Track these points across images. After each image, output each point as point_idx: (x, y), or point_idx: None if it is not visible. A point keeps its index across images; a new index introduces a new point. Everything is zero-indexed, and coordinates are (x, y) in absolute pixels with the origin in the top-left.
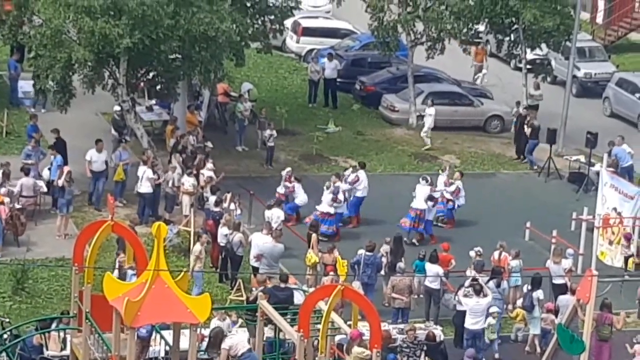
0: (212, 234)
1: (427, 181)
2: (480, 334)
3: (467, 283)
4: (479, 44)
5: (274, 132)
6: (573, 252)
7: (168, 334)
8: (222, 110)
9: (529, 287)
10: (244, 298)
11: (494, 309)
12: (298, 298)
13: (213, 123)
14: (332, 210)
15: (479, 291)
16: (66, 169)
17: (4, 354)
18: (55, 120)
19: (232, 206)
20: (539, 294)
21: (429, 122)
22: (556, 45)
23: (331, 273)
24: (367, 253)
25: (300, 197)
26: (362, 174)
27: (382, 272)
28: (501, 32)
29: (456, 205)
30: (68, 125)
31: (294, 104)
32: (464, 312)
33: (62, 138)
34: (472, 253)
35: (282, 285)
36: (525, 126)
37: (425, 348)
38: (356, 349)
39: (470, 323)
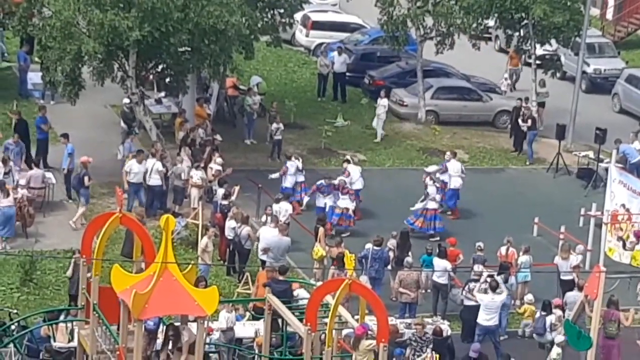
0: (220, 227)
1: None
2: (493, 330)
3: (482, 279)
4: (517, 49)
5: (281, 126)
6: (582, 248)
7: None
8: (231, 104)
9: (542, 312)
10: (252, 291)
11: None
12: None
13: (222, 116)
14: (351, 206)
15: (495, 287)
16: (84, 158)
17: (11, 344)
18: (64, 112)
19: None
20: (552, 318)
21: (381, 113)
22: (566, 40)
23: (332, 267)
24: (375, 247)
25: (289, 180)
26: (351, 167)
27: (389, 267)
28: (511, 28)
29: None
30: (77, 117)
31: (303, 98)
32: (471, 307)
33: (23, 119)
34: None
35: (280, 277)
36: (521, 119)
37: (431, 345)
38: (364, 342)
39: (483, 319)
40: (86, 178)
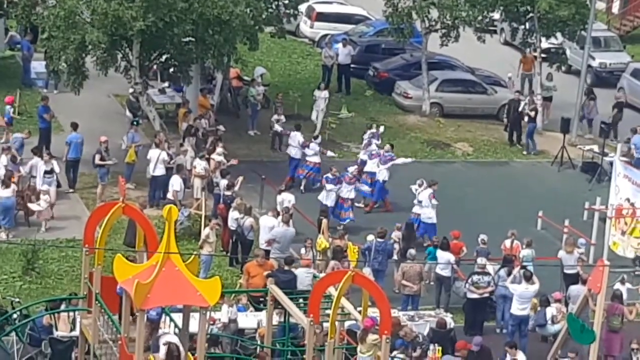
0: (223, 218)
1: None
2: (526, 319)
3: (514, 271)
4: (530, 49)
5: (282, 117)
6: (585, 241)
7: (178, 317)
8: (235, 94)
9: (540, 307)
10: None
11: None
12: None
13: (225, 107)
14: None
15: (529, 277)
16: (103, 138)
17: (13, 333)
18: (67, 101)
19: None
20: (552, 310)
21: (321, 105)
22: (571, 34)
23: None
24: (378, 239)
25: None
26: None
27: (395, 258)
28: (516, 21)
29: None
30: (80, 106)
31: (307, 89)
32: (474, 300)
33: None
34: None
35: (286, 267)
36: (522, 110)
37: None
38: (370, 337)
39: (517, 309)
40: (97, 157)
